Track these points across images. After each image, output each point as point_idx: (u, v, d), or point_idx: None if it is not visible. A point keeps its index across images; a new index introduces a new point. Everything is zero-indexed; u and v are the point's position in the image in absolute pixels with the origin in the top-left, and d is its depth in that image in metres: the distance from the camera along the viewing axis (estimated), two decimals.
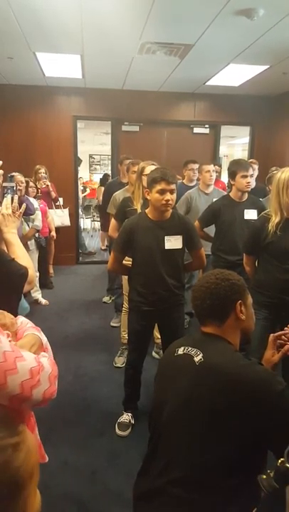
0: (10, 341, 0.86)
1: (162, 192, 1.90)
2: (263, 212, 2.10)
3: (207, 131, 5.84)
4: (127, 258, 2.17)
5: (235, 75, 4.56)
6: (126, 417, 2.19)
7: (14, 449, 0.53)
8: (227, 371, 0.98)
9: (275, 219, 1.95)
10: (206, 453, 0.95)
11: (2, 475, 0.51)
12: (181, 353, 1.10)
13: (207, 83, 4.95)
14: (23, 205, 1.32)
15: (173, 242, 1.99)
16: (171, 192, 1.92)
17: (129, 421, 2.18)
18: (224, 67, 4.25)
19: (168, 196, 1.90)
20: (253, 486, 0.97)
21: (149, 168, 2.32)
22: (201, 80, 4.87)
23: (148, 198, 1.99)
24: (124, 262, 2.16)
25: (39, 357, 0.86)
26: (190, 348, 1.08)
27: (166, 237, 1.98)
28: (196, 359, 1.04)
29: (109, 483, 1.80)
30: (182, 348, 1.11)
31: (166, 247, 1.98)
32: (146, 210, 2.05)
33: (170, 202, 1.92)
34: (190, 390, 1.01)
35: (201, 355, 1.04)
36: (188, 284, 3.33)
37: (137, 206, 2.55)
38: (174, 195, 1.95)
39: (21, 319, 0.99)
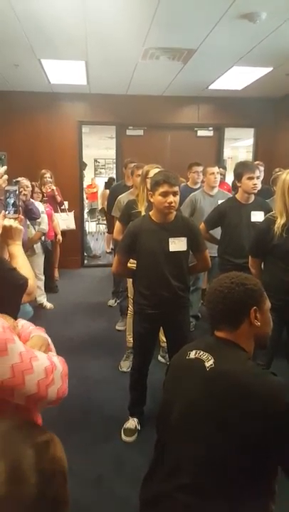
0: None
1: (165, 194, 1.90)
2: (268, 214, 2.08)
3: (211, 133, 5.84)
4: (131, 261, 2.16)
5: (238, 78, 4.57)
6: (132, 423, 2.17)
7: (53, 443, 0.60)
8: (238, 379, 0.96)
9: (280, 221, 1.93)
10: (210, 460, 0.93)
11: (55, 466, 0.58)
12: (193, 357, 1.07)
13: (210, 87, 4.96)
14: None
15: (177, 244, 1.98)
16: (174, 194, 1.91)
17: (135, 426, 2.15)
18: (227, 70, 4.26)
19: (171, 198, 1.90)
20: (259, 495, 0.95)
21: (153, 172, 2.32)
22: (205, 84, 4.89)
23: (151, 200, 1.99)
24: (128, 264, 2.16)
25: (50, 356, 0.88)
26: (202, 352, 1.06)
27: (170, 240, 1.97)
28: (207, 364, 1.02)
29: (115, 489, 1.78)
30: (194, 351, 1.08)
31: (170, 250, 1.97)
32: (150, 213, 2.05)
33: (173, 204, 1.91)
34: (197, 396, 0.99)
35: (212, 360, 1.02)
36: (194, 286, 3.31)
37: (142, 209, 2.55)
38: (177, 197, 1.95)
39: (22, 322, 1.00)
